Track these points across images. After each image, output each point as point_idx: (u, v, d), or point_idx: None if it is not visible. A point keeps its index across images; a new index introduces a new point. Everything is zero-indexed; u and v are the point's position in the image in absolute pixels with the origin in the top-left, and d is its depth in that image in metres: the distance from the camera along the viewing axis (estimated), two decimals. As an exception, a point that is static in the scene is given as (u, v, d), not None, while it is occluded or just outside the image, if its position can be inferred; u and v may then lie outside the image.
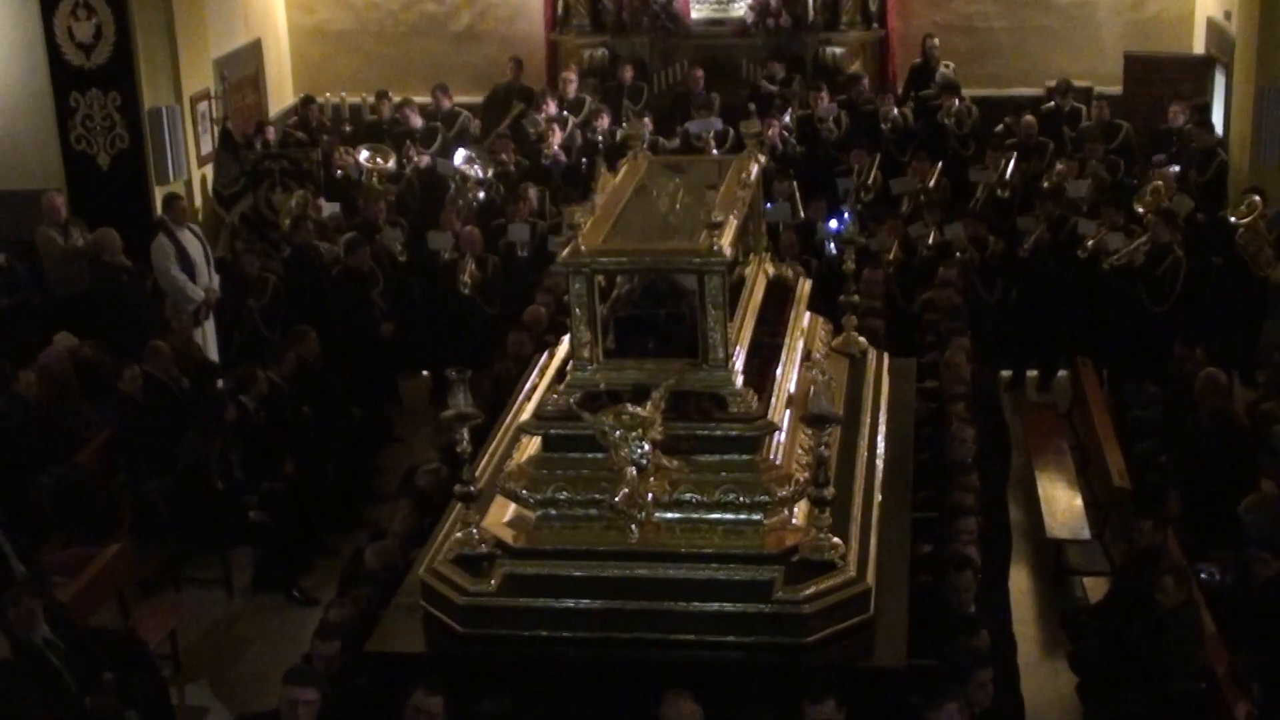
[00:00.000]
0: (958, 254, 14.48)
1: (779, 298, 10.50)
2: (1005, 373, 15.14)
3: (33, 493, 12.03)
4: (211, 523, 12.27)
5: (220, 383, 14.04)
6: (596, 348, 8.83)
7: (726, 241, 8.69)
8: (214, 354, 15.30)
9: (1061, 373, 15.15)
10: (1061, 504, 12.33)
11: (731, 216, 9.14)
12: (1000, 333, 14.57)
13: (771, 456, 8.73)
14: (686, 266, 8.85)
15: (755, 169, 10.46)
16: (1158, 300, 14.02)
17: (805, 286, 10.98)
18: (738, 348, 9.03)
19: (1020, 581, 12.04)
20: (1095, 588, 11.33)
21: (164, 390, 13.17)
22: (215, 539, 12.41)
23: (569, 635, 8.48)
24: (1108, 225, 14.62)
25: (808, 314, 10.83)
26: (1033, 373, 15.50)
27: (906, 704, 8.02)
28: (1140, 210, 15.08)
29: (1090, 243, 14.52)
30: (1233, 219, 14.82)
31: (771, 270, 10.81)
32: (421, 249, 15.47)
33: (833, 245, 14.58)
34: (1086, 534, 11.96)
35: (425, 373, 15.54)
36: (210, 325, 15.41)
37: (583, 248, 8.74)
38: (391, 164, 17.46)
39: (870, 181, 16.27)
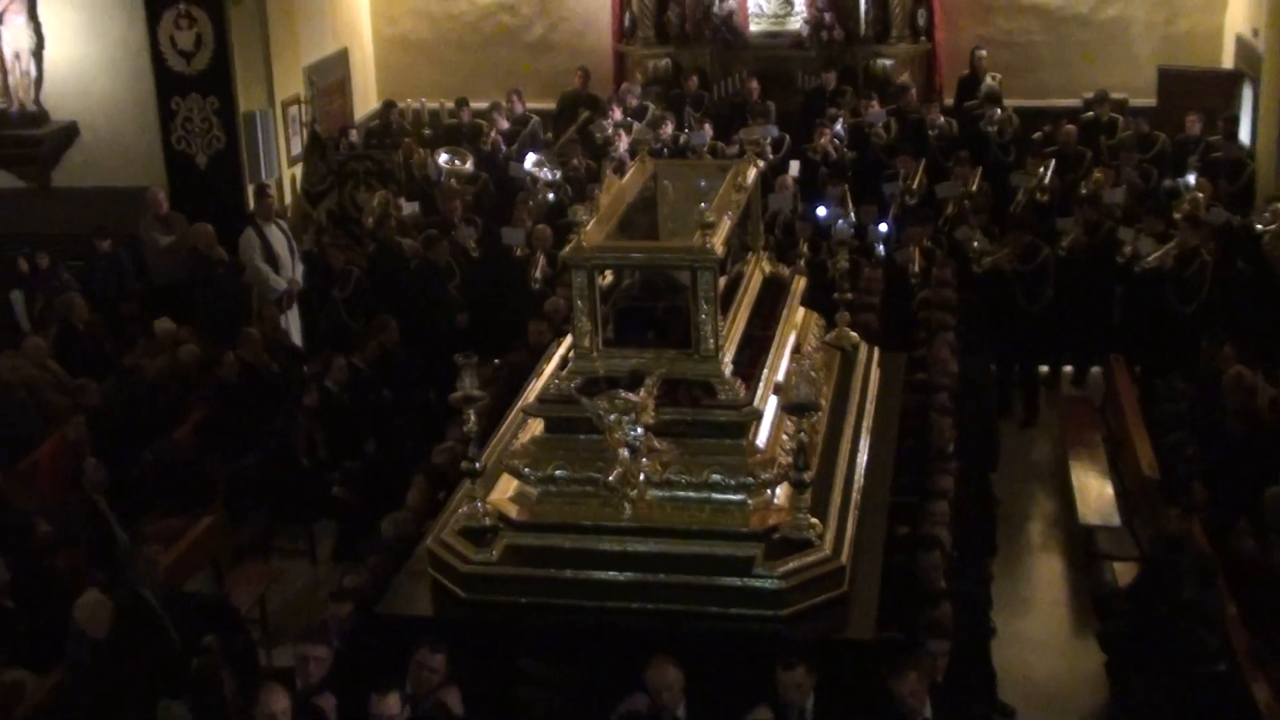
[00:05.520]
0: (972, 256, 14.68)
1: (774, 294, 10.69)
2: (1043, 368, 15.34)
3: (135, 468, 12.49)
4: (297, 497, 12.77)
5: (305, 368, 14.33)
6: (597, 337, 9.13)
7: (718, 240, 8.94)
8: (298, 340, 15.67)
9: (1095, 369, 15.26)
10: (1093, 492, 12.59)
11: (725, 217, 9.38)
12: (1039, 331, 14.77)
13: (756, 441, 9.00)
14: (680, 263, 9.16)
15: (753, 173, 10.66)
16: (1185, 301, 14.15)
17: (800, 284, 11.16)
18: (729, 340, 9.28)
19: (1053, 565, 12.45)
20: (1124, 572, 11.52)
21: (254, 374, 13.62)
22: (300, 512, 12.89)
23: (564, 603, 8.74)
24: (1147, 231, 14.66)
25: (802, 310, 11.03)
26: (1068, 368, 15.71)
27: (874, 673, 8.25)
28: (1176, 217, 15.00)
29: (1128, 248, 14.57)
30: (1258, 227, 14.92)
31: (768, 268, 10.99)
32: (496, 245, 15.60)
33: (882, 246, 14.89)
34: (1117, 521, 12.19)
35: (497, 361, 15.98)
36: (294, 314, 15.79)
37: (584, 244, 9.03)
38: (469, 166, 17.64)
39: (916, 185, 16.34)
